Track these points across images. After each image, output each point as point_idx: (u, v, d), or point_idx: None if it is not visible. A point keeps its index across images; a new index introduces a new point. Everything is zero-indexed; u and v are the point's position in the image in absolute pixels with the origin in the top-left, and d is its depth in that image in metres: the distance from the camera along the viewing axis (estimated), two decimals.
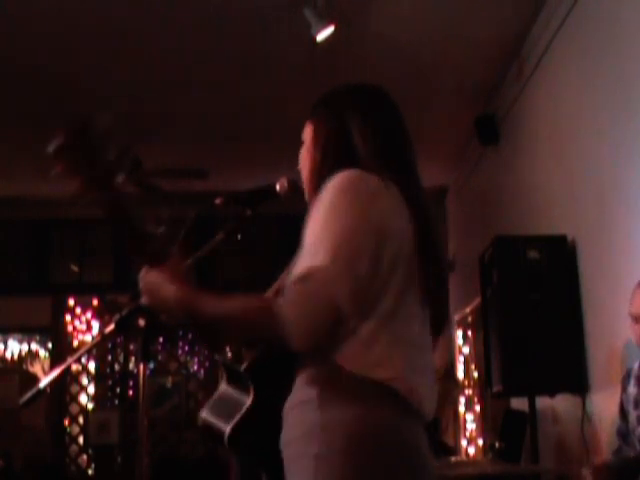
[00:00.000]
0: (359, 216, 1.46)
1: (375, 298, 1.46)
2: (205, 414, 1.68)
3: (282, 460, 1.49)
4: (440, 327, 1.61)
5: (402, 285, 1.49)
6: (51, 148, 1.49)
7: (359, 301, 1.43)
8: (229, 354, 1.68)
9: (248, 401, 1.56)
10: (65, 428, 7.36)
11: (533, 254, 3.99)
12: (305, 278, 1.40)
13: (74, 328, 7.53)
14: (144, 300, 1.56)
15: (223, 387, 1.70)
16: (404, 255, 1.50)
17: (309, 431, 1.44)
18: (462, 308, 6.49)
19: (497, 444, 4.31)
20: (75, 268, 7.95)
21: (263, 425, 1.55)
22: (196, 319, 1.51)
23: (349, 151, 1.60)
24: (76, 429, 7.38)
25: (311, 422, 1.44)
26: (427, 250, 1.54)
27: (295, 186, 1.74)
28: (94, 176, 1.52)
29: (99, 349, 7.34)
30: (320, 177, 1.59)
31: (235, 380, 1.66)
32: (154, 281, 1.54)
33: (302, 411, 1.47)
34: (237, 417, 1.56)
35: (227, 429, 1.56)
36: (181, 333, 7.36)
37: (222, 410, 1.63)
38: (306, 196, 1.70)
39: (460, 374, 6.83)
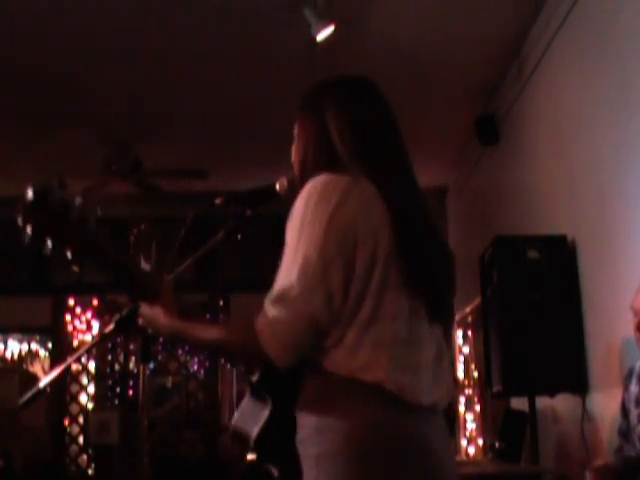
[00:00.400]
0: (327, 225, 1.46)
1: (355, 303, 1.47)
2: (235, 422, 1.73)
3: (296, 460, 1.54)
4: (438, 319, 1.59)
5: (381, 285, 1.49)
6: (19, 222, 1.55)
7: (337, 311, 1.46)
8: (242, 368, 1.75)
9: (267, 410, 1.62)
10: (65, 428, 7.36)
11: (533, 254, 3.99)
12: (280, 299, 1.45)
13: (74, 328, 7.53)
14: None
15: (247, 399, 1.75)
16: (381, 255, 1.49)
17: (309, 434, 1.49)
18: (462, 308, 6.49)
19: (497, 444, 4.31)
20: (75, 268, 7.94)
21: (284, 429, 1.60)
22: (193, 346, 1.67)
23: (329, 150, 1.60)
24: (76, 429, 7.37)
25: (309, 425, 1.49)
26: (407, 249, 1.51)
27: (295, 186, 1.74)
28: (64, 233, 1.58)
29: (99, 349, 7.34)
30: (304, 177, 1.61)
31: (255, 391, 1.71)
32: (148, 316, 1.65)
33: (302, 415, 1.52)
34: (259, 424, 1.62)
35: (253, 435, 1.62)
36: None
37: (248, 419, 1.69)
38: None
39: (460, 374, 6.83)
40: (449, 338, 1.69)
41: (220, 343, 1.57)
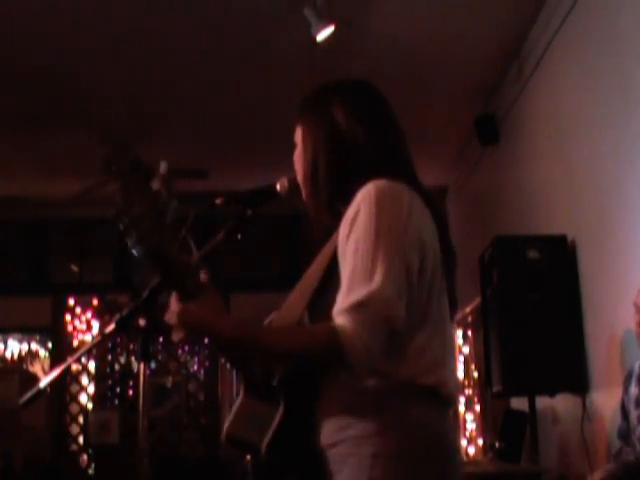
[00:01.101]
0: (403, 232, 1.48)
1: (424, 307, 1.51)
2: (231, 429, 1.66)
3: (319, 463, 1.53)
4: (453, 317, 1.67)
5: (439, 289, 1.55)
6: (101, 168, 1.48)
7: (413, 317, 1.48)
8: (257, 369, 1.68)
9: (279, 413, 1.56)
10: (65, 428, 7.36)
11: (533, 254, 3.99)
12: (366, 304, 1.42)
13: (74, 328, 7.52)
14: (180, 337, 1.56)
15: (244, 402, 1.69)
16: (438, 262, 1.55)
17: (364, 433, 1.48)
18: (462, 308, 6.48)
19: (497, 444, 4.31)
20: (75, 268, 7.95)
21: (298, 431, 1.58)
22: (254, 352, 1.56)
23: (341, 153, 1.60)
24: (76, 429, 7.37)
25: (364, 425, 1.48)
26: (449, 256, 1.59)
27: (295, 186, 1.74)
28: (151, 221, 1.53)
29: (99, 349, 7.33)
30: (315, 181, 1.61)
31: (260, 393, 1.65)
32: (200, 317, 1.55)
33: (351, 415, 1.50)
34: (272, 429, 1.56)
35: (263, 441, 1.56)
36: None
37: (249, 424, 1.63)
38: (305, 198, 1.70)
39: (460, 374, 6.83)
40: None
41: (297, 350, 1.49)
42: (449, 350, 1.56)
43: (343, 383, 1.52)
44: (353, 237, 1.48)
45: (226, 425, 1.67)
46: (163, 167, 1.41)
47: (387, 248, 1.45)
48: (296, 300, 1.64)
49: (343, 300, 1.44)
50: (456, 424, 1.70)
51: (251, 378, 1.71)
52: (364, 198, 1.50)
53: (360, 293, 1.42)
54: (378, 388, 1.50)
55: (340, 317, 1.42)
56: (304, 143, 1.67)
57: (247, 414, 1.67)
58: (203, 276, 1.62)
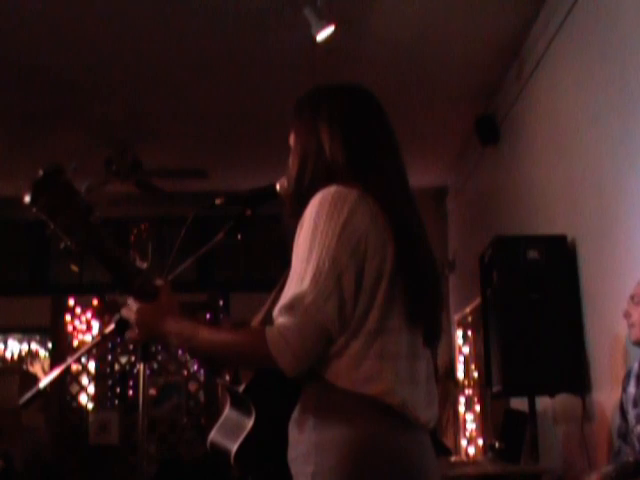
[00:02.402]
0: (339, 236, 1.46)
1: (362, 315, 1.47)
2: (213, 436, 1.69)
3: (290, 475, 1.50)
4: (430, 338, 1.59)
5: (387, 298, 1.49)
6: (26, 197, 1.52)
7: (346, 321, 1.45)
8: (227, 377, 1.69)
9: (250, 422, 1.58)
10: (65, 428, 7.36)
11: (533, 254, 3.99)
12: (291, 307, 1.43)
13: (74, 328, 7.53)
14: (135, 334, 1.61)
15: (227, 410, 1.71)
16: (387, 269, 1.50)
17: (306, 451, 1.46)
18: (462, 308, 6.49)
19: (497, 444, 4.31)
20: (75, 268, 7.95)
21: (268, 442, 1.57)
22: (193, 350, 1.60)
23: (325, 161, 1.59)
24: (76, 429, 7.37)
25: (307, 442, 1.46)
26: (409, 265, 1.52)
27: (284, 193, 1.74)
28: (70, 219, 1.54)
29: (99, 349, 7.33)
30: (299, 187, 1.61)
31: (237, 402, 1.67)
32: (150, 315, 1.59)
33: (299, 431, 1.49)
34: (241, 438, 1.57)
35: (233, 449, 1.57)
36: None
37: (228, 432, 1.65)
38: (287, 207, 1.69)
39: (460, 374, 6.83)
40: (435, 360, 1.68)
41: (225, 350, 1.51)
42: (402, 362, 1.49)
43: (305, 391, 1.51)
44: (296, 240, 1.51)
45: (211, 433, 1.70)
46: (73, 166, 1.42)
47: (319, 251, 1.45)
48: (267, 300, 1.67)
49: (279, 303, 1.46)
50: (430, 449, 1.56)
51: (227, 386, 1.72)
52: (311, 203, 1.51)
53: (289, 296, 1.44)
54: (319, 402, 1.47)
55: (274, 319, 1.45)
56: (293, 150, 1.68)
57: (228, 422, 1.69)
58: (160, 281, 1.64)
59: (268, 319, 1.52)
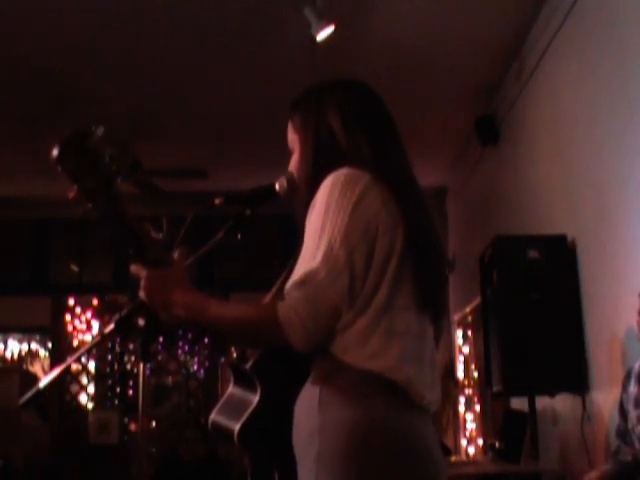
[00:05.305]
0: (351, 214, 1.48)
1: (371, 292, 1.49)
2: (214, 416, 1.69)
3: (294, 456, 1.50)
4: (437, 315, 1.61)
5: (396, 277, 1.51)
6: (54, 153, 1.50)
7: (355, 297, 1.47)
8: (234, 354, 1.69)
9: (255, 398, 1.57)
10: (65, 428, 7.36)
11: (533, 254, 3.99)
12: (303, 282, 1.44)
13: (74, 328, 7.53)
14: (142, 296, 1.58)
15: (231, 389, 1.71)
16: (397, 248, 1.52)
17: (310, 433, 1.46)
18: (462, 308, 6.49)
19: (497, 444, 4.31)
20: (75, 268, 7.95)
21: (273, 421, 1.57)
22: (201, 323, 1.56)
23: (334, 152, 1.61)
24: (76, 429, 7.37)
25: (311, 424, 1.46)
26: (419, 247, 1.55)
27: (294, 185, 1.74)
28: (94, 182, 1.53)
29: (99, 349, 7.34)
30: (310, 180, 1.61)
31: (242, 380, 1.67)
32: (161, 282, 1.57)
33: (304, 412, 1.50)
34: (245, 415, 1.57)
35: (236, 427, 1.57)
36: (181, 333, 7.36)
37: (231, 410, 1.64)
38: (301, 198, 1.68)
39: (460, 374, 6.83)
40: (438, 344, 1.68)
41: (234, 323, 1.51)
42: (409, 341, 1.50)
43: (311, 369, 1.52)
44: (309, 219, 1.53)
45: (212, 413, 1.69)
46: (100, 131, 1.41)
47: (331, 229, 1.47)
48: (278, 281, 1.68)
49: (291, 279, 1.48)
50: (432, 430, 1.54)
51: (231, 364, 1.72)
52: (323, 184, 1.53)
53: (301, 272, 1.46)
54: (326, 382, 1.47)
55: (286, 295, 1.46)
56: (299, 145, 1.69)
57: (232, 401, 1.68)
58: (179, 252, 1.64)
59: (279, 297, 1.52)
